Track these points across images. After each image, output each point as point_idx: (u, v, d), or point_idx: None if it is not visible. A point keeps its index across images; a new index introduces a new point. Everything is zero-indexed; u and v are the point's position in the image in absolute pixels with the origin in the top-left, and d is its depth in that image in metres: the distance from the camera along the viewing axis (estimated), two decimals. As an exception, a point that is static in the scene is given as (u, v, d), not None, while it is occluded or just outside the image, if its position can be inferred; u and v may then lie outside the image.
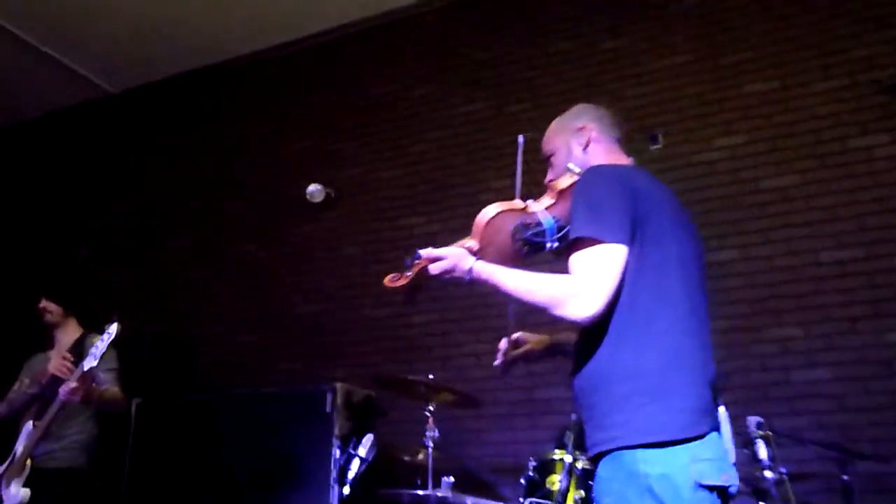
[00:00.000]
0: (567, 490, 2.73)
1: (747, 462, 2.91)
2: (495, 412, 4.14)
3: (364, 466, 3.37)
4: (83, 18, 5.41)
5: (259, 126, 5.75)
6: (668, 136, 4.33)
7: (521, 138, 2.23)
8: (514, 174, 2.20)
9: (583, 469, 2.74)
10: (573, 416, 2.84)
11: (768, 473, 2.83)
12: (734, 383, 3.78)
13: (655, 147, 4.33)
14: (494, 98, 4.93)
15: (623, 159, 2.01)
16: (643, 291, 1.68)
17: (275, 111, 5.73)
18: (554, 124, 2.14)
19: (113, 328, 3.30)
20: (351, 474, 3.34)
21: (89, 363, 3.29)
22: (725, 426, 1.69)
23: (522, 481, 2.94)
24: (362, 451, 3.40)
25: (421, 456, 3.33)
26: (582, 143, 2.03)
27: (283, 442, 3.66)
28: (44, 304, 3.84)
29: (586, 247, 1.67)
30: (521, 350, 2.22)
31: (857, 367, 3.63)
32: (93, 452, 3.68)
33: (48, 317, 3.84)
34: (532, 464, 2.91)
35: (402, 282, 1.87)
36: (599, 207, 1.71)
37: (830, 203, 3.91)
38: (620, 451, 1.61)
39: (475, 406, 3.60)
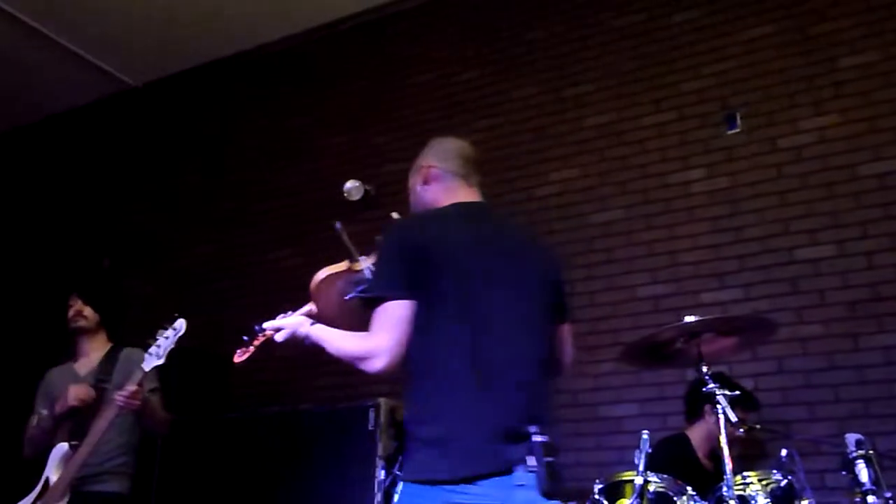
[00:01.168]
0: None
1: (847, 486, 2.87)
2: (557, 431, 4.15)
3: (411, 490, 3.39)
4: (101, 6, 5.60)
5: (292, 118, 5.88)
6: (750, 118, 4.30)
7: (337, 225, 2.64)
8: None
9: (655, 492, 2.74)
10: (644, 435, 2.84)
11: (871, 498, 2.77)
12: (830, 398, 3.74)
13: (733, 131, 4.30)
14: (550, 81, 4.94)
15: (460, 196, 2.28)
16: (427, 341, 2.00)
17: (308, 102, 5.85)
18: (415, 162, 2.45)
19: (180, 324, 3.34)
20: (397, 497, 3.37)
21: (152, 362, 3.29)
22: (528, 472, 1.89)
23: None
24: (409, 473, 3.42)
25: (474, 479, 3.33)
26: (421, 183, 2.36)
27: (322, 463, 3.72)
28: (79, 306, 3.72)
29: (377, 304, 2.03)
30: None
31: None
32: (133, 477, 3.65)
33: (82, 322, 3.73)
34: (599, 486, 2.91)
35: (248, 356, 2.39)
36: (384, 265, 2.10)
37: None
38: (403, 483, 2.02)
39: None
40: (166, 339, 3.34)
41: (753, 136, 4.28)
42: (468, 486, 1.86)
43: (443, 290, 2.02)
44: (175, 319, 3.40)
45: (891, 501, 2.80)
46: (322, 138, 5.69)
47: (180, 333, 3.36)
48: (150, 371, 3.39)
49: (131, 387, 3.30)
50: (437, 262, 2.04)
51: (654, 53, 4.68)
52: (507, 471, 1.89)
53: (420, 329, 2.01)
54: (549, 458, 1.90)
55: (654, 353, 3.04)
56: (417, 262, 2.03)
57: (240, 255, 5.72)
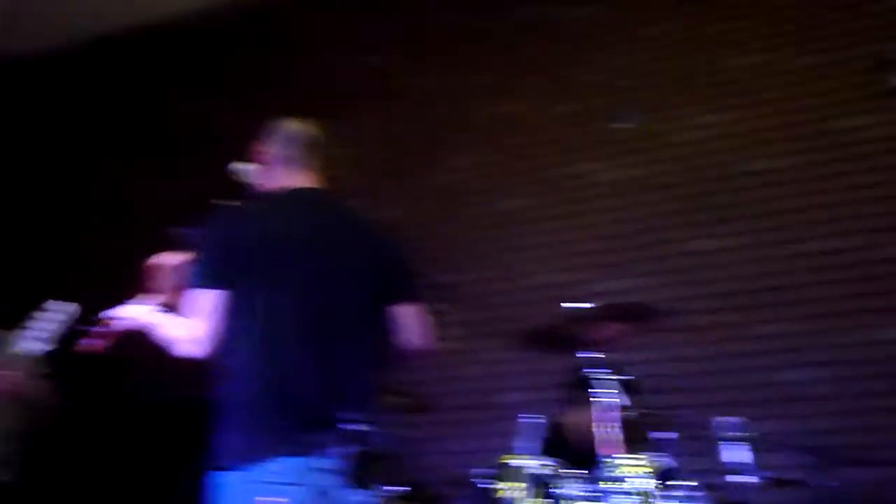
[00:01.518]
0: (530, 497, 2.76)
1: (725, 468, 2.97)
2: (443, 418, 4.14)
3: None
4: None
5: (185, 101, 5.62)
6: (646, 113, 4.39)
7: (181, 230, 2.54)
8: None
9: (539, 475, 2.77)
10: (530, 420, 2.88)
11: (748, 479, 2.89)
12: (714, 384, 3.86)
13: (630, 125, 4.39)
14: (451, 70, 4.95)
15: (296, 181, 2.30)
16: (234, 330, 2.05)
17: (203, 84, 5.62)
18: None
19: (68, 307, 3.22)
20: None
21: (29, 344, 3.18)
22: (328, 457, 1.91)
23: (478, 490, 2.96)
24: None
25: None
26: (259, 168, 2.41)
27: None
28: None
29: (191, 292, 2.09)
30: None
31: (845, 367, 3.74)
32: (17, 465, 3.52)
33: None
34: (486, 471, 2.93)
35: (94, 345, 2.37)
36: (202, 254, 2.13)
37: (823, 188, 4.03)
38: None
39: (424, 411, 3.61)
40: (46, 323, 3.21)
41: (649, 130, 4.38)
42: (262, 465, 1.90)
43: (257, 278, 2.06)
44: (60, 303, 3.27)
45: (766, 481, 2.92)
46: (215, 121, 5.46)
47: (69, 318, 3.23)
48: (38, 356, 3.28)
49: (4, 372, 3.19)
50: (254, 250, 2.09)
51: (555, 46, 4.75)
52: (303, 454, 1.91)
53: (231, 317, 2.05)
54: (358, 447, 1.90)
55: (547, 339, 3.08)
56: (235, 251, 2.09)
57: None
